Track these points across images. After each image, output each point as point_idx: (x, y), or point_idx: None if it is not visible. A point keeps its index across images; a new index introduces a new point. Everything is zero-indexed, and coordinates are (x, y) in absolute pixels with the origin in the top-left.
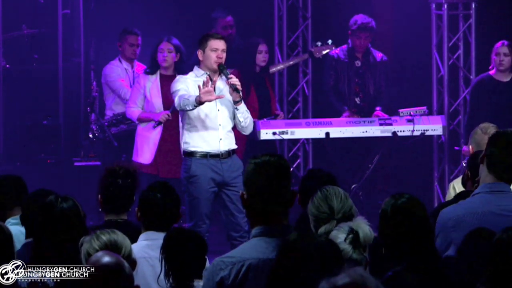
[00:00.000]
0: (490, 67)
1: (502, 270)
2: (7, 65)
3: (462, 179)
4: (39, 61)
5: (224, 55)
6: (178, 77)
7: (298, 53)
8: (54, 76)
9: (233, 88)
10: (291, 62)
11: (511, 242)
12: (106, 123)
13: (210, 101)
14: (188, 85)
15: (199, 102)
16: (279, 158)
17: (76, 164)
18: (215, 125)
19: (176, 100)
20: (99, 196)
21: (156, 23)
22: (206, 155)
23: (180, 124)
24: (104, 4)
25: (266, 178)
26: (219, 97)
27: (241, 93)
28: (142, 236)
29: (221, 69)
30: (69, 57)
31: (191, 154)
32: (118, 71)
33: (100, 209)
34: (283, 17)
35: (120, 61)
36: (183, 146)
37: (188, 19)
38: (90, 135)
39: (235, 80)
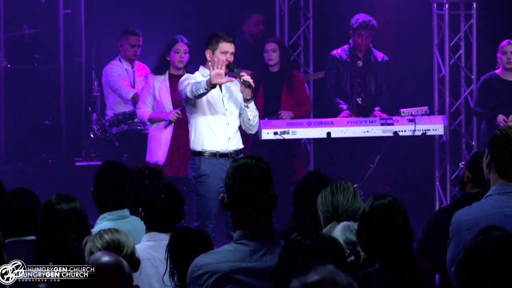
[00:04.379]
0: (496, 66)
1: (477, 278)
2: (9, 65)
3: (461, 181)
4: (40, 61)
5: (232, 58)
6: (186, 75)
7: (300, 53)
8: (56, 76)
9: (246, 85)
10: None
11: (481, 249)
12: (107, 123)
13: (220, 84)
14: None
15: (210, 85)
16: (259, 160)
17: (77, 164)
18: (224, 124)
19: (188, 89)
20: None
21: (157, 23)
22: (215, 154)
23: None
24: (106, 4)
25: (243, 182)
26: (229, 80)
27: (253, 90)
28: (145, 237)
29: (231, 68)
30: (71, 57)
31: (199, 153)
32: (118, 71)
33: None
34: (284, 17)
35: (121, 61)
36: (192, 146)
37: (189, 19)
38: (91, 135)
39: (247, 77)
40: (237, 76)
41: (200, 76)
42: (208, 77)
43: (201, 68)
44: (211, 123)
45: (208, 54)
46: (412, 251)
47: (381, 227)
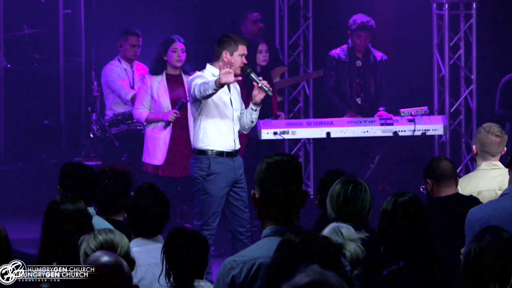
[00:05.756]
0: None
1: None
2: (8, 65)
3: (428, 194)
4: (40, 61)
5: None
6: (196, 73)
7: (299, 53)
8: (55, 76)
9: (265, 90)
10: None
11: (479, 254)
12: (106, 123)
13: (229, 83)
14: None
15: (219, 85)
16: (291, 158)
17: None
18: (230, 124)
19: (196, 89)
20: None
21: (157, 24)
22: (222, 154)
23: (191, 123)
24: (105, 4)
25: (277, 178)
26: (237, 79)
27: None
28: (133, 243)
29: (247, 72)
30: (70, 57)
31: (206, 152)
32: (118, 71)
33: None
34: (284, 17)
35: (120, 61)
36: (199, 145)
37: (189, 20)
38: (91, 135)
39: (265, 82)
40: (254, 80)
41: (210, 75)
42: (217, 76)
43: (209, 66)
44: (219, 122)
45: (225, 55)
46: (433, 245)
47: (406, 224)
